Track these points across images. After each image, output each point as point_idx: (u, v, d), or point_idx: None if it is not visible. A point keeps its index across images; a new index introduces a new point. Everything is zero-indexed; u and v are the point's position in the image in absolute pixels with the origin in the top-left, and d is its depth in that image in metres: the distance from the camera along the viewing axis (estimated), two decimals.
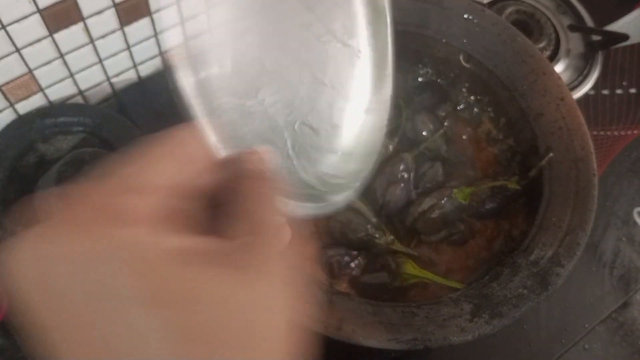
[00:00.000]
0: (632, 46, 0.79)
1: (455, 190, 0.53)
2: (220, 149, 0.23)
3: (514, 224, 0.54)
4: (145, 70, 0.68)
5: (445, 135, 0.58)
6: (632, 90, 0.76)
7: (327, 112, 0.33)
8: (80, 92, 0.64)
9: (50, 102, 0.62)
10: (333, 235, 0.53)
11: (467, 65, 0.58)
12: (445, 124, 0.59)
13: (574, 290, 0.62)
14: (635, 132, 0.73)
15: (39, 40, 0.54)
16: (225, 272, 0.19)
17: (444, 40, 0.57)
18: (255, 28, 0.30)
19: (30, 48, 0.54)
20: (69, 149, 0.56)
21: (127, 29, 0.61)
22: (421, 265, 0.51)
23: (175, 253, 0.19)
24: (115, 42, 0.61)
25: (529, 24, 0.77)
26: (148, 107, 0.66)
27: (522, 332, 0.59)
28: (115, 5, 0.57)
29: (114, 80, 0.66)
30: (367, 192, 0.53)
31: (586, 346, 0.60)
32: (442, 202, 0.52)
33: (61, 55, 0.58)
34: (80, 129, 0.54)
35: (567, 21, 0.79)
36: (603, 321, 0.61)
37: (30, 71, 0.57)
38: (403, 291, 0.51)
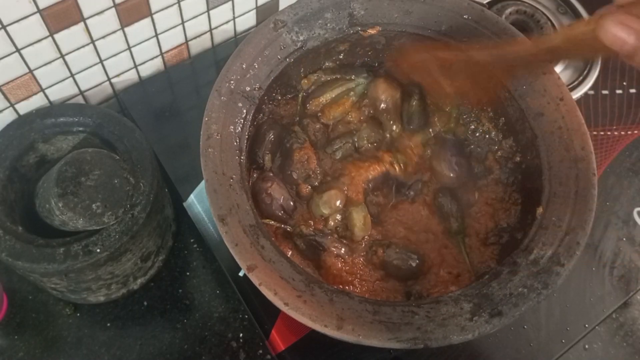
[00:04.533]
0: None
1: None
2: None
3: (514, 223, 0.54)
4: (146, 70, 0.69)
5: None
6: (632, 90, 0.76)
7: None
8: (81, 93, 0.65)
9: (50, 102, 0.62)
10: None
11: None
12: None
13: (574, 290, 0.62)
14: (635, 132, 0.73)
15: (39, 41, 0.54)
16: None
17: (443, 41, 0.57)
18: None
19: (30, 48, 0.54)
20: (70, 149, 0.56)
21: (127, 29, 0.61)
22: None
23: None
24: (115, 42, 0.61)
25: (529, 24, 0.77)
26: (149, 108, 0.67)
27: (522, 332, 0.59)
28: (115, 5, 0.57)
29: (114, 80, 0.67)
30: None
31: (586, 346, 0.60)
32: None
33: (61, 56, 0.58)
34: (81, 129, 0.54)
35: (567, 21, 0.79)
36: (603, 321, 0.61)
37: (31, 71, 0.57)
38: None
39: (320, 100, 0.60)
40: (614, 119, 0.73)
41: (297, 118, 0.59)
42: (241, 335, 0.57)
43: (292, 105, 0.60)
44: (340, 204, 0.55)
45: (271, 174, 0.55)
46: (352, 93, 0.61)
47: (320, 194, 0.55)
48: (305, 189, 0.56)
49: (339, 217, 0.55)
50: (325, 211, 0.54)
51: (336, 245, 0.53)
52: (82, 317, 0.57)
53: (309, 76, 0.60)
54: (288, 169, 0.56)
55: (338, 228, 0.55)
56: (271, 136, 0.56)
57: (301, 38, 0.55)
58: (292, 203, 0.54)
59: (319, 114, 0.60)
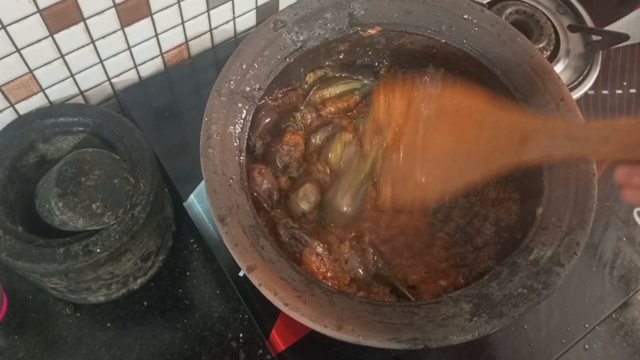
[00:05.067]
0: (632, 46, 0.79)
1: None
2: None
3: (514, 223, 0.54)
4: (146, 70, 0.69)
5: None
6: (632, 90, 0.76)
7: None
8: (81, 93, 0.65)
9: (50, 102, 0.62)
10: None
11: (467, 66, 0.58)
12: None
13: (574, 290, 0.62)
14: None
15: (39, 41, 0.54)
16: None
17: (443, 41, 0.57)
18: None
19: (30, 48, 0.54)
20: (70, 149, 0.56)
21: (127, 29, 0.61)
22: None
23: None
24: (115, 42, 0.61)
25: (529, 24, 0.77)
26: (148, 108, 0.67)
27: (522, 332, 0.59)
28: (115, 5, 0.57)
29: (114, 80, 0.67)
30: None
31: (586, 346, 0.60)
32: None
33: (61, 56, 0.58)
34: (81, 129, 0.54)
35: (567, 21, 0.79)
36: (603, 321, 0.61)
37: (31, 71, 0.57)
38: None
39: (324, 93, 0.60)
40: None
41: (302, 107, 0.59)
42: (241, 335, 0.57)
43: (291, 96, 0.60)
44: (318, 196, 0.54)
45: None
46: (356, 92, 0.61)
47: (296, 190, 0.55)
48: (284, 180, 0.55)
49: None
50: (304, 206, 0.54)
51: (318, 243, 0.52)
52: (82, 317, 0.57)
53: (315, 71, 0.60)
54: (274, 147, 0.56)
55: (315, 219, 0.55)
56: (267, 121, 0.56)
57: (301, 38, 0.55)
58: (276, 195, 0.54)
59: (320, 105, 0.60)
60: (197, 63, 0.72)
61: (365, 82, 0.61)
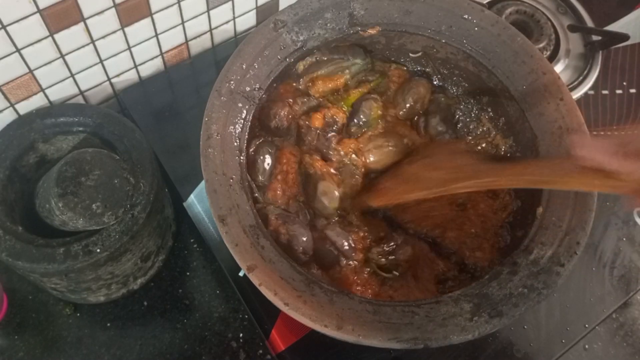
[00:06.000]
0: (632, 46, 0.79)
1: None
2: None
3: (514, 223, 0.54)
4: (146, 70, 0.69)
5: None
6: (632, 90, 0.76)
7: None
8: (81, 92, 0.65)
9: (50, 102, 0.62)
10: None
11: (467, 66, 0.58)
12: None
13: (574, 290, 0.62)
14: (635, 132, 0.73)
15: (39, 40, 0.54)
16: None
17: (443, 41, 0.57)
18: None
19: (30, 48, 0.54)
20: (70, 149, 0.56)
21: (127, 29, 0.61)
22: None
23: None
24: (115, 42, 0.61)
25: (529, 24, 0.77)
26: (149, 108, 0.67)
27: (522, 332, 0.59)
28: (115, 5, 0.57)
29: (114, 80, 0.67)
30: None
31: (586, 346, 0.60)
32: None
33: (62, 56, 0.58)
34: (81, 129, 0.54)
35: (567, 21, 0.79)
36: (603, 321, 0.61)
37: (31, 71, 0.57)
38: None
39: (314, 75, 0.60)
40: (614, 119, 0.73)
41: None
42: (241, 335, 0.57)
43: (290, 86, 0.59)
44: (337, 192, 0.55)
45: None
46: (347, 71, 0.60)
47: (314, 186, 0.55)
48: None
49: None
50: (328, 203, 0.54)
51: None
52: (82, 317, 0.57)
53: (306, 59, 0.60)
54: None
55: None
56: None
57: (301, 38, 0.55)
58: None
59: (309, 84, 0.59)
60: (197, 63, 0.72)
61: (355, 60, 0.61)
